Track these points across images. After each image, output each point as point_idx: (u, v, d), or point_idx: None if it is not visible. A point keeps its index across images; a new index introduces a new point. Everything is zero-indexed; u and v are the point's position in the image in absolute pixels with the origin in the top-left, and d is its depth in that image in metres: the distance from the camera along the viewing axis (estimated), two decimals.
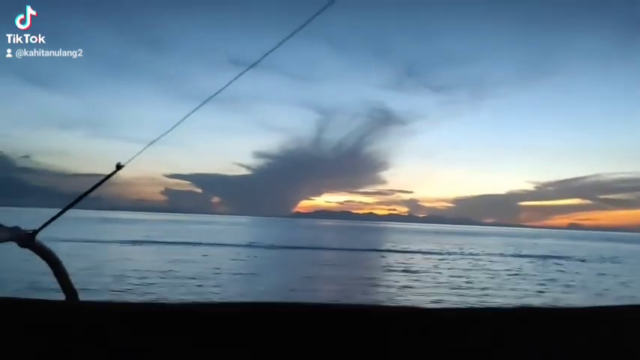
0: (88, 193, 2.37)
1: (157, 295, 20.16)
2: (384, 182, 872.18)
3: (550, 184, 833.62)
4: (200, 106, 3.01)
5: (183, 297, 19.49)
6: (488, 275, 32.60)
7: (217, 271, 29.11)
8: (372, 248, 58.34)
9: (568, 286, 28.87)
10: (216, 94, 3.00)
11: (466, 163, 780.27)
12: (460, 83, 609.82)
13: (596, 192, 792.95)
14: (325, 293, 22.70)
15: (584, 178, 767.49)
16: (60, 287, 2.19)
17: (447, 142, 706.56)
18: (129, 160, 2.32)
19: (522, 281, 29.97)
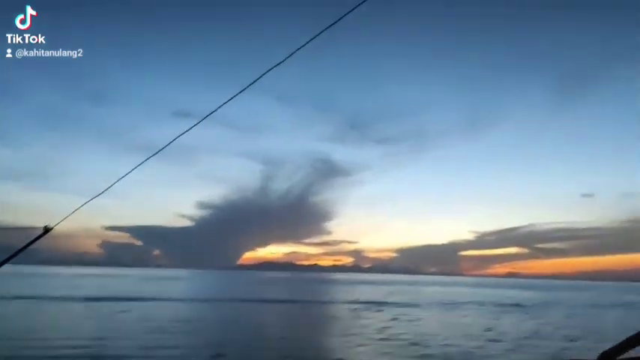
0: (10, 259, 2.24)
1: None
2: (329, 233, 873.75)
3: (489, 233, 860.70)
4: (145, 161, 2.97)
5: None
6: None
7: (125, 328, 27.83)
8: (305, 300, 58.61)
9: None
10: (168, 145, 2.99)
11: (410, 213, 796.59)
12: (403, 135, 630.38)
13: (532, 241, 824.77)
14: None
15: (521, 227, 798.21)
16: None
17: (391, 192, 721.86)
18: (57, 223, 2.24)
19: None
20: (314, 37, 2.65)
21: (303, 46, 2.62)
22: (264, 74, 2.99)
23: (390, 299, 62.82)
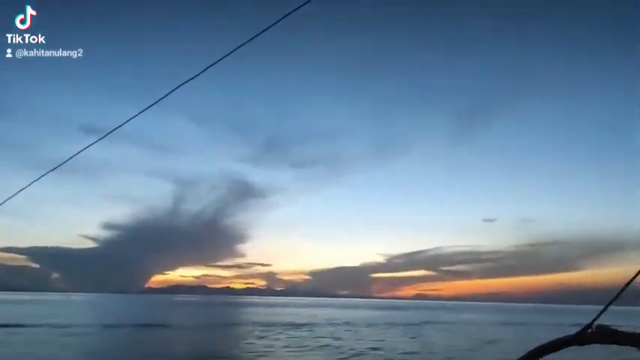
0: None
1: None
2: (242, 255, 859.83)
3: (399, 256, 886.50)
4: (42, 177, 2.76)
5: None
6: None
7: None
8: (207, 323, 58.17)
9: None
10: (68, 160, 2.79)
11: (323, 236, 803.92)
12: (318, 159, 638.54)
13: (438, 264, 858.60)
14: None
15: (428, 250, 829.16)
16: None
17: (305, 215, 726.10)
18: None
19: None
20: (228, 54, 2.63)
21: (216, 62, 2.58)
22: (175, 89, 2.89)
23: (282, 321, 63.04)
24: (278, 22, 3.04)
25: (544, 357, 1.94)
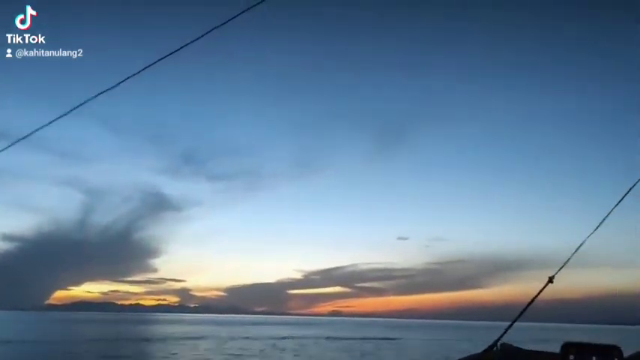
0: None
1: None
2: (154, 270, 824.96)
3: (315, 272, 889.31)
4: None
5: None
6: None
7: None
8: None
9: None
10: None
11: (240, 251, 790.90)
12: (236, 173, 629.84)
13: (354, 280, 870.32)
14: None
15: (344, 267, 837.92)
16: None
17: (222, 230, 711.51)
18: None
19: None
20: (148, 66, 2.68)
21: (136, 74, 2.62)
22: (91, 99, 2.90)
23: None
24: (203, 35, 3.13)
25: None
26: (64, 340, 56.77)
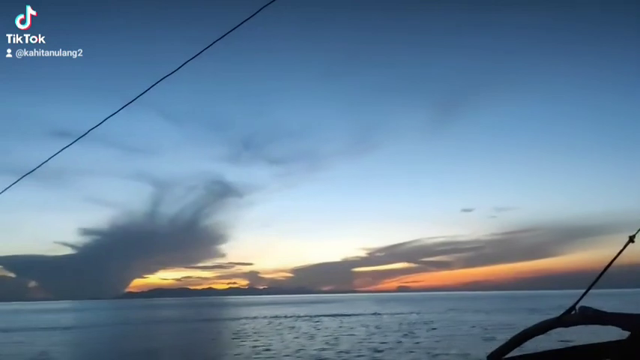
0: None
1: None
2: (222, 255, 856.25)
3: (379, 249, 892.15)
4: (14, 184, 2.69)
5: None
6: None
7: None
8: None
9: None
10: (40, 165, 2.72)
11: (303, 232, 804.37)
12: (295, 155, 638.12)
13: (419, 255, 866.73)
14: None
15: (408, 243, 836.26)
16: None
17: (284, 212, 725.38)
18: None
19: None
20: (202, 51, 2.61)
21: (191, 59, 2.56)
22: (149, 88, 2.83)
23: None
24: (251, 17, 3.01)
25: (530, 340, 1.97)
26: (147, 321, 61.13)
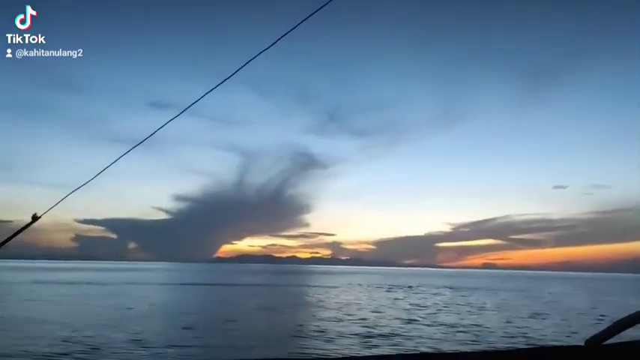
0: (1, 246, 2.17)
1: None
2: (306, 225, 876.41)
3: (465, 225, 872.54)
4: (130, 150, 2.92)
5: None
6: None
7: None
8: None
9: None
10: (150, 135, 2.93)
11: (386, 205, 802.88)
12: (379, 128, 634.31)
13: (507, 232, 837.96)
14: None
15: (496, 219, 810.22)
16: None
17: (368, 184, 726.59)
18: (45, 212, 2.20)
19: None
20: (296, 27, 2.64)
21: (285, 34, 2.61)
22: (247, 63, 2.95)
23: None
24: None
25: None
26: (238, 284, 65.48)
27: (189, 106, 2.90)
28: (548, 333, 21.74)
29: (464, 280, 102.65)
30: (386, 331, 20.80)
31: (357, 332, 20.15)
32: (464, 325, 23.52)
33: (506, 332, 21.47)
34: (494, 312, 31.87)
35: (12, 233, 2.17)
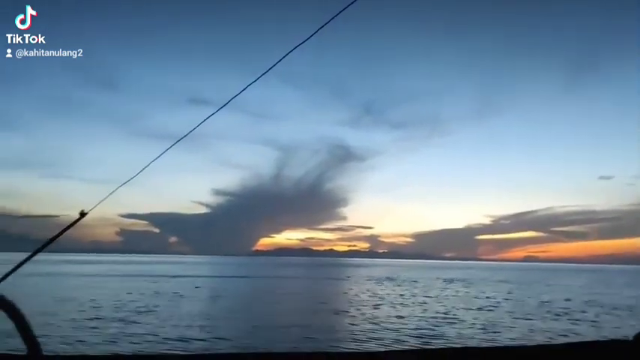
0: (52, 241, 2.28)
1: None
2: (344, 218, 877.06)
3: (505, 217, 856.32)
4: (171, 147, 3.02)
5: None
6: None
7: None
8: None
9: None
10: (191, 131, 3.02)
11: (424, 197, 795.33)
12: (416, 120, 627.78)
13: (549, 224, 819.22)
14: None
15: (538, 211, 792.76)
16: (22, 341, 2.08)
17: (405, 177, 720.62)
18: (92, 208, 2.29)
19: None
20: (330, 20, 2.67)
21: (320, 28, 2.64)
22: (282, 58, 3.00)
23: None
24: None
25: None
26: (276, 277, 67.37)
27: (229, 102, 2.98)
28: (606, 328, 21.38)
29: (513, 274, 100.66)
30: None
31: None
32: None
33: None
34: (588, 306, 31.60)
35: (61, 229, 2.27)
